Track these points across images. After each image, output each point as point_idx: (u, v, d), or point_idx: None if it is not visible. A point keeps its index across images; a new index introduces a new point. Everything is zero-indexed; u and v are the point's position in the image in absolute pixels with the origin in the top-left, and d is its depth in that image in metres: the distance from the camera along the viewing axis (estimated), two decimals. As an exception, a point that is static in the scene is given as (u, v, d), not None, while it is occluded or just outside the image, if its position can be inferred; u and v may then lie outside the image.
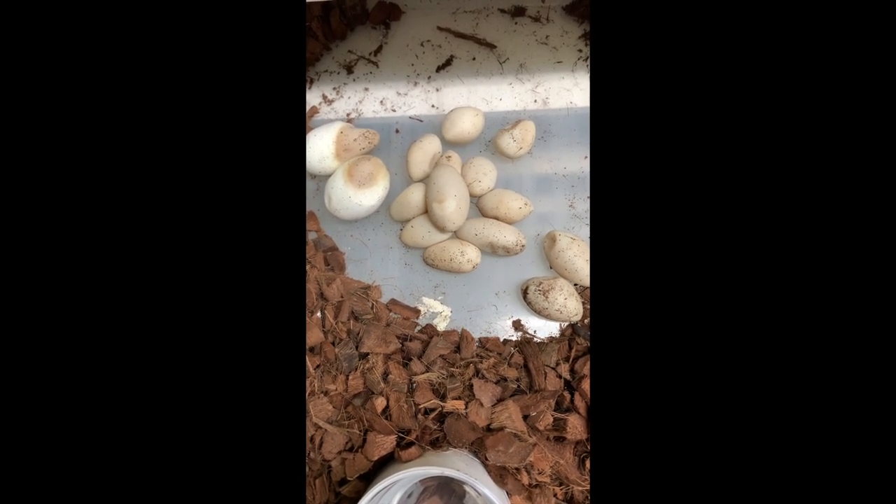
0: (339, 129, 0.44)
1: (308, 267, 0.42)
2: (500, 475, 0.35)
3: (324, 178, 0.45)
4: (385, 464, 0.36)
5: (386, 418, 0.36)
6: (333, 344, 0.39)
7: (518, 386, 0.39)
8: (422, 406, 0.37)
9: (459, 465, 0.32)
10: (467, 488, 0.37)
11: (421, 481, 0.37)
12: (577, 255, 0.41)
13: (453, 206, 0.41)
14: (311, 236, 0.45)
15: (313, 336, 0.39)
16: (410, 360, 0.39)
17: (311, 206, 0.46)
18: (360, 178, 0.41)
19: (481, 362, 0.39)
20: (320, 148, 0.43)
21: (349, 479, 0.35)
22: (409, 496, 0.37)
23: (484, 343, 0.42)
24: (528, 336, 0.42)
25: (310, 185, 0.46)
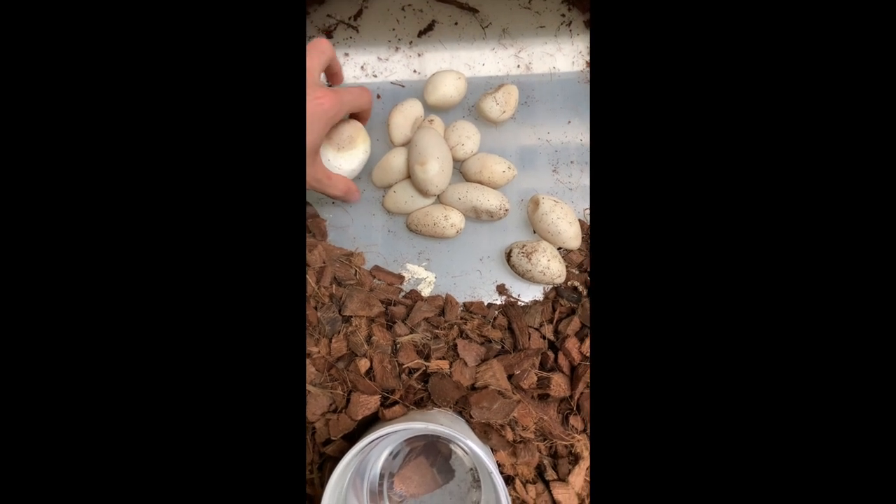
0: (319, 92, 0.43)
1: (289, 233, 0.42)
2: (485, 432, 0.35)
3: (304, 144, 0.45)
4: (369, 424, 0.36)
5: (370, 379, 0.36)
6: (316, 308, 0.39)
7: (502, 346, 0.39)
8: (406, 366, 0.37)
9: (444, 423, 0.32)
10: (453, 447, 0.37)
11: (406, 441, 0.37)
12: (560, 218, 0.41)
13: (436, 169, 0.40)
14: (292, 203, 0.44)
15: (295, 300, 0.38)
16: (394, 322, 0.39)
17: (291, 173, 0.45)
18: (339, 141, 0.41)
19: (466, 324, 0.39)
20: (300, 112, 0.42)
21: (333, 438, 0.35)
22: (395, 456, 0.37)
23: (468, 307, 0.41)
24: (512, 299, 0.42)
25: (290, 152, 0.45)
